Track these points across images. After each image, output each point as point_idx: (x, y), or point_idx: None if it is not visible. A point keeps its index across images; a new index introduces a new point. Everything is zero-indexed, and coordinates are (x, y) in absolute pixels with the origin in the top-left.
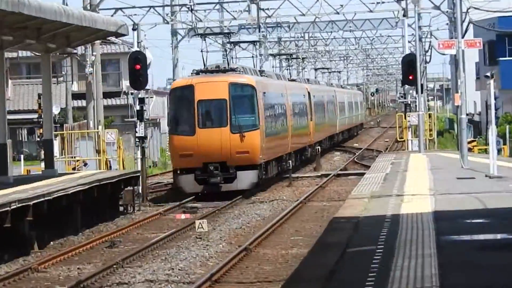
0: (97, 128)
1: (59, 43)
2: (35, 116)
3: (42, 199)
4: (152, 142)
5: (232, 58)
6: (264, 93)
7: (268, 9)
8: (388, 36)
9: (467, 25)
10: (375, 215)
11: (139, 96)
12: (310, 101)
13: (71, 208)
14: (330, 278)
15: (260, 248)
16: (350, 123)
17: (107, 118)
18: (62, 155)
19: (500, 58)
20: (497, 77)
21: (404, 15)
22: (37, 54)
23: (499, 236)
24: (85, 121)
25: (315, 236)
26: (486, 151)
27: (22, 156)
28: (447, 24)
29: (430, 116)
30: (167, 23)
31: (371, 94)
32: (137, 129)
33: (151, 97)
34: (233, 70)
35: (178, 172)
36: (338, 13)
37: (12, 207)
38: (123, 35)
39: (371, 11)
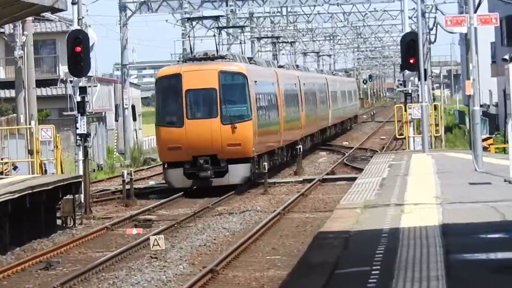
0: (29, 124)
1: None
2: None
3: None
4: (96, 140)
5: (194, 41)
6: (256, 81)
7: None
8: (384, 11)
9: None
10: (370, 229)
11: (80, 84)
12: (301, 91)
13: None
14: None
15: (229, 270)
16: (344, 115)
17: (42, 112)
18: None
19: None
20: None
21: None
22: None
23: None
24: (15, 115)
25: (296, 255)
26: (504, 151)
27: None
28: None
29: (436, 108)
30: None
31: (363, 82)
32: (78, 125)
33: (95, 86)
34: (222, 57)
35: (166, 166)
36: None
37: None
38: (61, 10)
39: None
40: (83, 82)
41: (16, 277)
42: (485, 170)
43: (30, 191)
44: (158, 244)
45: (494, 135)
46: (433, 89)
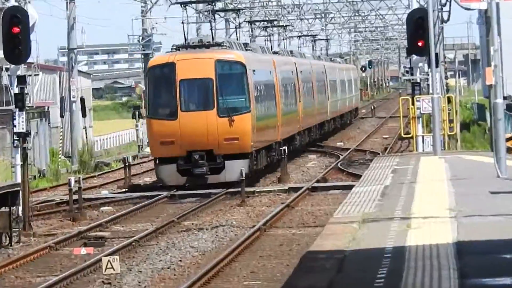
0: None
1: None
2: None
3: None
4: (38, 141)
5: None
6: (254, 71)
7: None
8: None
9: None
10: (369, 248)
11: (19, 73)
12: (298, 80)
13: None
14: None
15: None
16: (343, 108)
17: None
18: None
19: None
20: None
21: None
22: None
23: None
24: None
25: (280, 280)
26: None
27: None
28: None
29: (450, 100)
30: None
31: (361, 69)
32: (15, 122)
33: (36, 75)
34: (218, 45)
35: (158, 162)
36: None
37: None
38: None
39: None
40: (21, 70)
41: None
42: (510, 176)
43: None
44: (112, 267)
45: None
46: (446, 77)
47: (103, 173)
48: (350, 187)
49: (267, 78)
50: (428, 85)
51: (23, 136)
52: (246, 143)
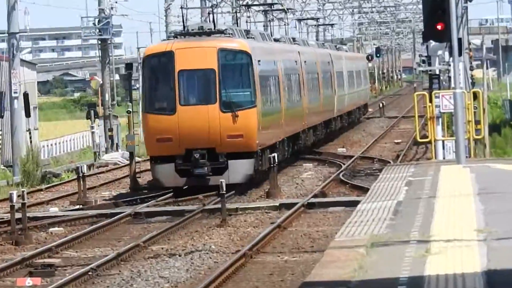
0: None
1: None
2: None
3: None
4: None
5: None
6: (259, 61)
7: None
8: None
9: None
10: (380, 279)
11: None
12: (302, 71)
13: None
14: None
15: None
16: (352, 104)
17: None
18: None
19: None
20: None
21: None
22: None
23: None
24: None
25: None
26: None
27: None
28: None
29: (476, 96)
30: None
31: (367, 58)
32: None
33: None
34: (221, 32)
35: (154, 161)
36: None
37: None
38: None
39: None
40: None
41: None
42: None
43: None
44: None
45: None
46: (471, 68)
47: (52, 186)
48: (354, 203)
49: (272, 69)
50: (449, 77)
51: None
52: (252, 141)
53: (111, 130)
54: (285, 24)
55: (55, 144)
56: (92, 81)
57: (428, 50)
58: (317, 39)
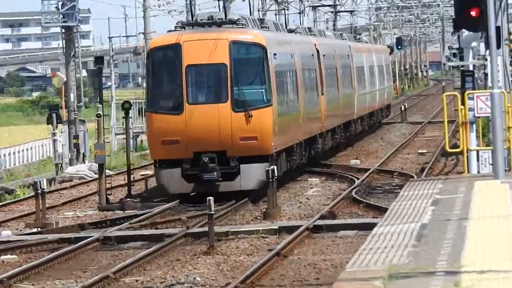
0: None
1: None
2: None
3: None
4: None
5: None
6: (275, 54)
7: None
8: None
9: None
10: None
11: None
12: (320, 65)
13: None
14: None
15: None
16: (373, 104)
17: None
18: None
19: None
20: None
21: None
22: None
23: None
24: None
25: None
26: None
27: None
28: None
29: None
30: None
31: None
32: None
33: None
34: (233, 22)
35: (159, 165)
36: None
37: None
38: None
39: None
40: None
41: None
42: None
43: None
44: None
45: None
46: None
47: (4, 205)
48: (370, 227)
49: (288, 64)
50: (485, 74)
51: None
52: (267, 143)
53: (76, 137)
54: (299, 12)
55: (9, 154)
56: (54, 78)
57: (460, 42)
58: (334, 29)
